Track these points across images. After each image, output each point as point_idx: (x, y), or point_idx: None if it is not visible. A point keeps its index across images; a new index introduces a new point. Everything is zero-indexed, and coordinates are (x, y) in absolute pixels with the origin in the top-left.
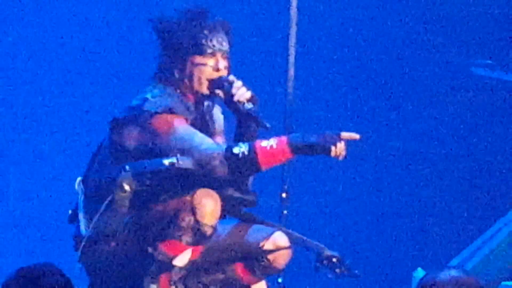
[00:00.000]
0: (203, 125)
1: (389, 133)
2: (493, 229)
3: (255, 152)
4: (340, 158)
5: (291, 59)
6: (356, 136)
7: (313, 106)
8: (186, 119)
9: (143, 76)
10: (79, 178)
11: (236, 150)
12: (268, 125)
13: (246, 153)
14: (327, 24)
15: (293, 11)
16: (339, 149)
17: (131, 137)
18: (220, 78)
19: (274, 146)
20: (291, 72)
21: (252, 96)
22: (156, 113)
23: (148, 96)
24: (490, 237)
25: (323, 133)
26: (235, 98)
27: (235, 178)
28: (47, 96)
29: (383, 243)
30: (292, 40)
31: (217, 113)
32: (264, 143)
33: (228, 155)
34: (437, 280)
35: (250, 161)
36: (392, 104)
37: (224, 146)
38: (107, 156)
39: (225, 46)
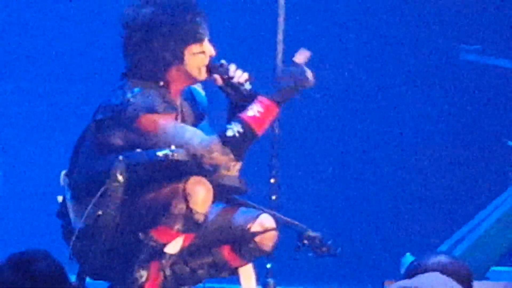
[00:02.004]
0: (190, 114)
1: (377, 120)
2: (482, 215)
3: (248, 125)
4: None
5: (279, 56)
6: (307, 52)
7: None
8: (172, 115)
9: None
10: (63, 172)
11: (229, 132)
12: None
13: (241, 130)
14: (314, 17)
15: (281, 8)
16: (310, 76)
17: (118, 137)
18: (215, 63)
19: (261, 110)
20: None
21: (249, 76)
22: (139, 115)
23: (129, 95)
24: (479, 223)
25: (288, 72)
26: (235, 81)
27: (238, 156)
28: (31, 89)
29: (372, 228)
30: (280, 37)
31: (199, 91)
32: (250, 112)
33: (224, 140)
34: (425, 266)
35: (248, 135)
36: (380, 90)
37: (215, 135)
38: (91, 149)
39: (207, 29)
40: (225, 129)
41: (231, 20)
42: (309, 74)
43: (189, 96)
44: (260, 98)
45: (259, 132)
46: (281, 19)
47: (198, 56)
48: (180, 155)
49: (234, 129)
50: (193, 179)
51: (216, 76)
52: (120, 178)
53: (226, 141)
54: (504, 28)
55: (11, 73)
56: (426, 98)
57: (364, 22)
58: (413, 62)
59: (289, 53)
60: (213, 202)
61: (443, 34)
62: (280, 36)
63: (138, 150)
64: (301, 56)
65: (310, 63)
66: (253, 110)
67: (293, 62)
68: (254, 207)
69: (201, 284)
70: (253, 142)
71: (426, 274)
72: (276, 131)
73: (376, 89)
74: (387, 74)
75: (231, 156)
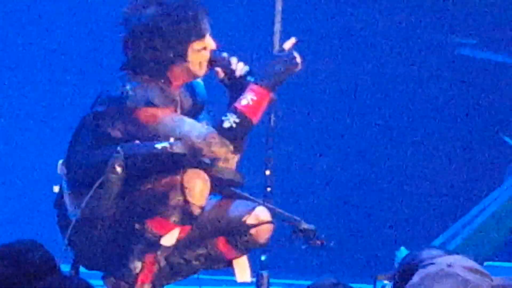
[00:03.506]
0: (189, 107)
1: (372, 113)
2: (476, 210)
3: (244, 115)
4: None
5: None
6: (293, 39)
7: (296, 98)
8: (171, 109)
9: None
10: (60, 161)
11: (226, 124)
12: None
13: (237, 120)
14: (312, 15)
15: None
16: (298, 59)
17: (116, 129)
18: (216, 57)
19: (254, 98)
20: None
21: (250, 69)
22: (137, 107)
23: (128, 88)
24: (473, 218)
25: (277, 58)
26: (237, 73)
27: (237, 147)
28: (26, 82)
29: (367, 222)
30: (277, 36)
31: (198, 83)
32: (244, 101)
33: (222, 132)
34: (419, 260)
35: (244, 124)
36: (376, 84)
37: (212, 128)
38: (90, 140)
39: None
40: (221, 121)
41: (228, 12)
42: (298, 58)
43: (189, 88)
44: (251, 85)
45: (255, 119)
46: (278, 13)
47: (201, 52)
48: (178, 147)
49: (230, 120)
50: (191, 172)
51: (218, 69)
52: (118, 169)
53: (223, 133)
54: (499, 23)
55: (6, 63)
56: (420, 93)
57: (360, 19)
58: (410, 57)
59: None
60: (210, 194)
61: (439, 29)
62: (277, 27)
63: (137, 142)
64: (289, 43)
65: (307, 57)
66: (247, 99)
67: (281, 48)
68: (249, 200)
69: (195, 276)
70: (250, 130)
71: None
72: (272, 123)
73: (372, 82)
74: (384, 69)
75: (230, 147)
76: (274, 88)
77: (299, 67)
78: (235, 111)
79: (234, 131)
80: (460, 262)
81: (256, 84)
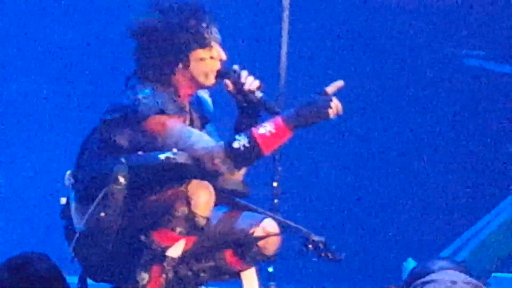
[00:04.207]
0: (197, 119)
1: (382, 123)
2: (484, 221)
3: (255, 142)
4: (340, 113)
5: (283, 58)
6: (340, 83)
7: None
8: (181, 118)
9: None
10: (68, 172)
11: (236, 144)
12: (280, 111)
13: (246, 145)
14: (319, 18)
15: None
16: (334, 108)
17: (124, 138)
18: (226, 68)
19: (273, 130)
20: (283, 62)
21: (260, 84)
22: (149, 115)
23: (140, 96)
24: (481, 228)
25: (313, 101)
26: (246, 88)
27: (239, 169)
28: (38, 91)
29: (375, 233)
30: (285, 36)
31: (205, 99)
32: (261, 130)
33: (229, 150)
34: (427, 271)
35: (253, 151)
36: (384, 94)
37: (222, 142)
38: (97, 150)
39: (219, 34)
40: (233, 140)
41: (236, 23)
42: (335, 106)
43: (196, 100)
44: (276, 118)
45: (266, 151)
46: (285, 23)
47: (205, 61)
48: (182, 158)
49: (241, 142)
50: (195, 182)
51: (227, 82)
52: (122, 180)
53: (230, 152)
54: (507, 34)
55: (18, 72)
56: (430, 102)
57: (368, 28)
58: (417, 66)
59: (293, 55)
60: (216, 205)
61: (447, 39)
62: (284, 38)
63: (140, 152)
64: (333, 86)
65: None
66: (265, 129)
67: (323, 89)
68: (257, 211)
69: (203, 287)
70: (258, 159)
71: (445, 271)
72: None
73: (380, 92)
74: (391, 77)
75: (232, 167)
76: (297, 128)
77: (331, 117)
78: (249, 136)
79: (241, 154)
80: (460, 278)
81: (282, 118)
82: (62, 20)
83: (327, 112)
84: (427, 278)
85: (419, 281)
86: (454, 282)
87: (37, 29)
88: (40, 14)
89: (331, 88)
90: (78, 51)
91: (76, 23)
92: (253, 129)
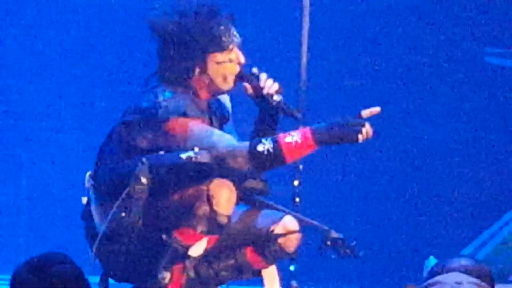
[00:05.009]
0: (216, 119)
1: (404, 121)
2: (505, 218)
3: (280, 149)
4: (370, 138)
5: (304, 59)
6: (377, 109)
7: (325, 96)
8: (201, 120)
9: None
10: (88, 173)
11: (260, 147)
12: (299, 115)
13: (271, 150)
14: (339, 18)
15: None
16: (365, 133)
17: (145, 140)
18: (245, 72)
19: (299, 141)
20: (303, 64)
21: (279, 87)
22: (170, 118)
23: (160, 98)
24: (502, 226)
25: (346, 121)
26: (265, 91)
27: (259, 172)
28: (58, 91)
29: (396, 231)
30: (305, 37)
31: (224, 98)
32: (288, 138)
33: (253, 152)
34: (448, 268)
35: (276, 158)
36: (405, 91)
37: (247, 143)
38: (117, 151)
39: (239, 37)
40: (258, 142)
41: (255, 26)
42: (365, 130)
43: (214, 100)
44: (304, 129)
45: (289, 160)
46: (305, 24)
47: (224, 64)
48: (203, 157)
49: (265, 146)
50: (217, 181)
51: (247, 86)
52: (143, 180)
53: (253, 153)
54: None
55: (40, 73)
56: (451, 98)
57: (386, 25)
58: (438, 64)
59: (315, 59)
60: (237, 204)
61: (468, 36)
62: (304, 39)
63: (161, 152)
64: (369, 111)
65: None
66: (292, 137)
67: (359, 113)
68: (277, 209)
69: (224, 286)
70: (279, 166)
71: (449, 274)
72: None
73: (400, 88)
74: (411, 75)
75: (251, 167)
76: (323, 144)
77: (360, 141)
78: (274, 142)
79: (264, 158)
80: (465, 279)
81: (311, 130)
82: (79, 19)
83: (357, 137)
84: (433, 279)
85: (424, 284)
86: (459, 283)
87: (54, 27)
88: (57, 12)
89: (366, 113)
90: (97, 51)
91: (93, 22)
92: (281, 135)
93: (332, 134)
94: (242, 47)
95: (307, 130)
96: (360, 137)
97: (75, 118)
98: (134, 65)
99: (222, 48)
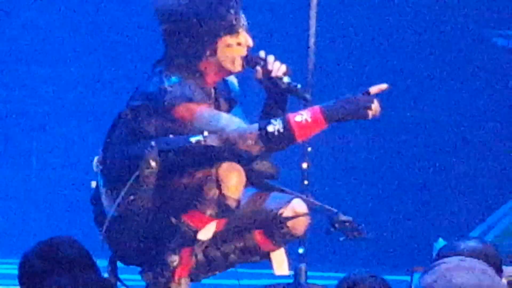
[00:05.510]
0: (224, 102)
1: (413, 103)
2: None
3: (290, 128)
4: (378, 115)
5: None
6: (385, 86)
7: (332, 82)
8: (208, 105)
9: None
10: (96, 157)
11: (270, 128)
12: (309, 96)
13: (281, 130)
14: (347, 12)
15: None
16: (374, 109)
17: (152, 125)
18: (252, 54)
19: (309, 119)
20: (312, 47)
21: (287, 69)
22: (177, 104)
23: (166, 84)
24: (511, 208)
25: (355, 98)
26: (273, 74)
27: (270, 153)
28: (67, 77)
29: (406, 213)
30: (313, 20)
31: (231, 81)
32: (298, 117)
33: (263, 133)
34: (455, 250)
35: (286, 137)
36: (415, 74)
37: (256, 125)
38: (124, 136)
39: (245, 20)
40: (268, 123)
41: (261, 11)
42: (375, 106)
43: (222, 83)
44: (314, 108)
45: (299, 138)
46: (313, 18)
47: (233, 47)
48: (213, 140)
49: (275, 127)
50: (226, 165)
51: (257, 69)
52: (153, 164)
53: (263, 135)
54: None
55: (47, 58)
56: (459, 87)
57: (396, 8)
58: (447, 48)
59: (322, 44)
60: (245, 187)
61: (475, 20)
62: (312, 22)
63: (171, 136)
64: (377, 88)
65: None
66: (302, 116)
67: (367, 89)
68: (286, 192)
69: (233, 269)
70: (289, 145)
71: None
72: None
73: (410, 78)
74: (422, 64)
75: (262, 149)
76: (333, 121)
77: (369, 116)
78: (284, 121)
79: (274, 138)
80: (468, 259)
81: (320, 108)
82: (90, 8)
83: (367, 112)
84: (438, 261)
85: (431, 265)
86: (462, 260)
87: (65, 16)
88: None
89: (374, 89)
90: (108, 38)
91: (105, 9)
92: (290, 115)
93: (342, 111)
94: (250, 31)
95: (317, 108)
96: (370, 113)
97: (85, 102)
98: (145, 49)
99: (232, 31)
